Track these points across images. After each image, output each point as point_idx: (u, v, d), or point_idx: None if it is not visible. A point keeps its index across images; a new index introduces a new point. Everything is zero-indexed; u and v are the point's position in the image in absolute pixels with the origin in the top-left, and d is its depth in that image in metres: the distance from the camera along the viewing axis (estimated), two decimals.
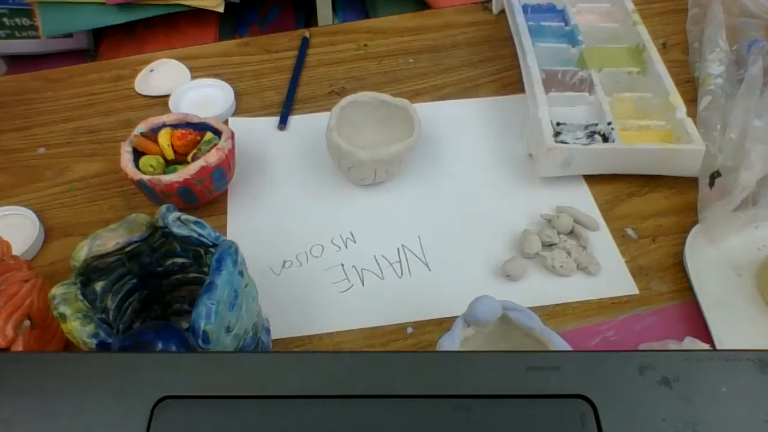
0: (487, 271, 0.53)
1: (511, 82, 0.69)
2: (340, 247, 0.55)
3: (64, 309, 0.36)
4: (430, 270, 0.53)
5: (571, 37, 0.68)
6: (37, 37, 1.06)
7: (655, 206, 0.57)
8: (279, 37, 0.76)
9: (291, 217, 0.57)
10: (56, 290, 0.37)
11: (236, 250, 0.38)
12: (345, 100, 0.58)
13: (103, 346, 0.35)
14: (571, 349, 0.39)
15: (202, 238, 0.39)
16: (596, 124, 0.60)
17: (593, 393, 0.25)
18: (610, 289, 0.51)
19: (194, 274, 0.45)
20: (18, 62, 1.10)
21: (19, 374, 0.26)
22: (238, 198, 0.58)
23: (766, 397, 0.25)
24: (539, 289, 0.51)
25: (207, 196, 0.55)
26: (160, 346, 0.36)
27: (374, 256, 0.54)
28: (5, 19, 1.04)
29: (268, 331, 0.45)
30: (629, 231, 0.55)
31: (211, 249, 0.40)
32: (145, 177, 0.52)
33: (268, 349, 0.44)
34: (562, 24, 0.70)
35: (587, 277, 0.52)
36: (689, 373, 0.25)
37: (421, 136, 0.58)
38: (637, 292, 0.51)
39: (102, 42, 1.06)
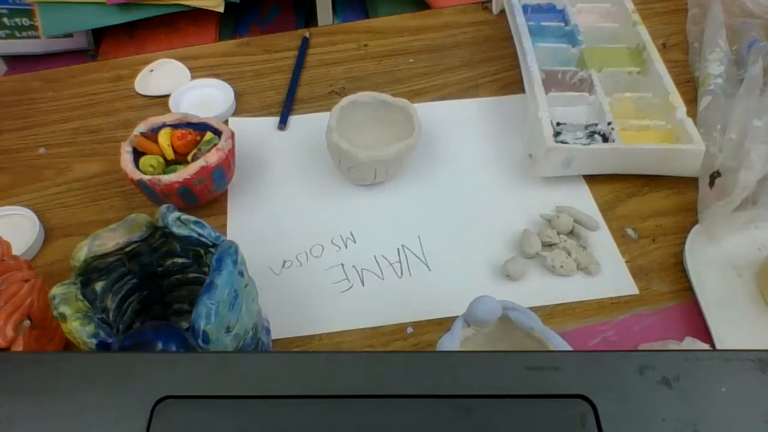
0: (487, 271, 0.53)
1: (511, 82, 0.69)
2: (340, 247, 0.55)
3: (64, 309, 0.36)
4: (430, 270, 0.53)
5: (571, 37, 0.68)
6: (37, 37, 1.06)
7: (655, 206, 0.57)
8: (279, 37, 0.76)
9: (291, 217, 0.57)
10: (56, 290, 0.37)
11: (236, 250, 0.38)
12: (345, 100, 0.58)
13: (103, 346, 0.35)
14: (571, 349, 0.39)
15: (202, 238, 0.39)
16: (596, 124, 0.60)
17: (593, 393, 0.25)
18: (610, 289, 0.51)
19: (194, 274, 0.45)
20: (18, 62, 1.10)
21: (19, 374, 0.26)
22: (238, 198, 0.58)
23: (766, 397, 0.25)
24: (539, 289, 0.51)
25: (207, 196, 0.55)
26: (160, 346, 0.36)
27: (374, 256, 0.54)
28: (5, 19, 1.04)
29: (268, 331, 0.45)
30: (629, 231, 0.55)
31: (211, 249, 0.40)
32: (145, 177, 0.52)
33: (268, 349, 0.44)
34: (562, 24, 0.70)
35: (587, 277, 0.52)
36: (689, 373, 0.25)
37: (421, 136, 0.58)
38: (637, 292, 0.51)
39: (102, 42, 1.06)
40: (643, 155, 0.56)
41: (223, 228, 0.56)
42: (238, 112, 0.67)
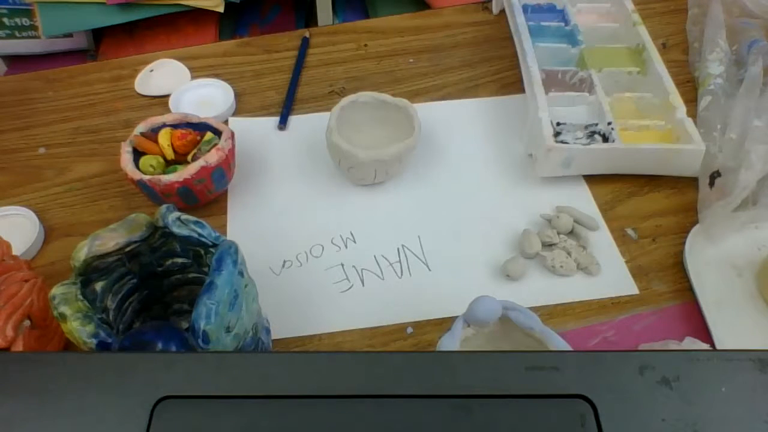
0: (487, 271, 0.53)
1: (511, 82, 0.69)
2: (340, 247, 0.55)
3: (64, 309, 0.36)
4: (430, 270, 0.53)
5: (571, 37, 0.68)
6: (37, 37, 1.06)
7: (655, 206, 0.57)
8: (279, 37, 0.76)
9: (291, 217, 0.57)
10: (56, 290, 0.37)
11: (236, 250, 0.38)
12: (345, 100, 0.58)
13: (103, 346, 0.35)
14: (571, 349, 0.39)
15: (202, 238, 0.39)
16: (596, 124, 0.60)
17: (593, 393, 0.25)
18: (610, 289, 0.51)
19: (194, 274, 0.45)
20: (18, 62, 1.10)
21: (19, 374, 0.26)
22: (238, 198, 0.58)
23: (766, 397, 0.25)
24: (539, 289, 0.51)
25: (207, 196, 0.55)
26: (160, 346, 0.36)
27: (374, 256, 0.54)
28: (5, 19, 1.04)
29: (268, 331, 0.45)
30: (629, 231, 0.55)
31: (211, 249, 0.40)
32: (145, 177, 0.52)
33: (268, 349, 0.44)
34: (562, 24, 0.70)
35: (587, 277, 0.52)
36: (689, 373, 0.25)
37: (421, 136, 0.58)
38: (637, 292, 0.51)
39: (102, 42, 1.06)
40: (643, 155, 0.56)
41: (223, 228, 0.56)
42: (238, 112, 0.67)
